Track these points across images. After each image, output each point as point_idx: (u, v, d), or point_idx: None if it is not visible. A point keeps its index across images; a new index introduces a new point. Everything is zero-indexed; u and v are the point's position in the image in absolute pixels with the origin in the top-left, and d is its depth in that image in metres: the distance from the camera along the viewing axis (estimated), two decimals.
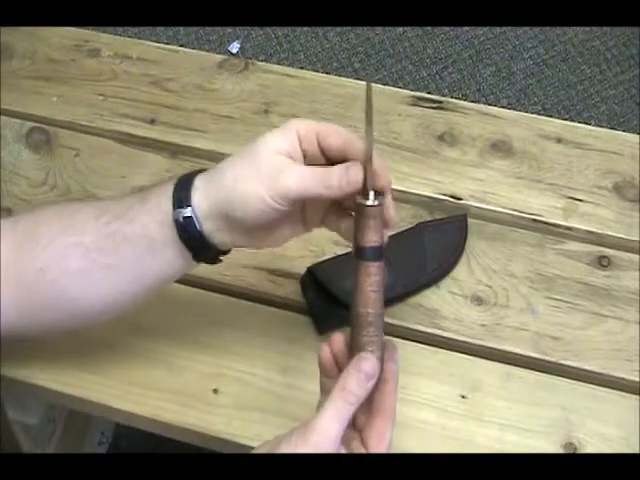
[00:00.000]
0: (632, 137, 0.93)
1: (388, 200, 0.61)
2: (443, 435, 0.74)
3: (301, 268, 0.81)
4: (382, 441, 0.58)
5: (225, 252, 0.66)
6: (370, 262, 0.59)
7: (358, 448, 0.58)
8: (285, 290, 0.82)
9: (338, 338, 0.61)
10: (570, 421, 0.75)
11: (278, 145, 0.60)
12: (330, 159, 0.61)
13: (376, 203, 0.59)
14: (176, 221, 0.61)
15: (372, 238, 0.59)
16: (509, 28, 1.94)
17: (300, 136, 0.61)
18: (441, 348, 0.79)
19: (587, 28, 1.93)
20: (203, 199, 0.61)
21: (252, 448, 0.58)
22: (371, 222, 0.59)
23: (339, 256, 0.81)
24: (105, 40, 1.00)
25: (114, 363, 0.77)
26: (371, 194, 0.59)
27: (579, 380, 0.77)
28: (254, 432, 0.73)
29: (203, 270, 0.82)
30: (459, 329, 0.79)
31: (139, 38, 1.06)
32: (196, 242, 0.62)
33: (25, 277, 0.64)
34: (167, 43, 1.10)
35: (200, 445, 0.76)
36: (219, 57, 0.99)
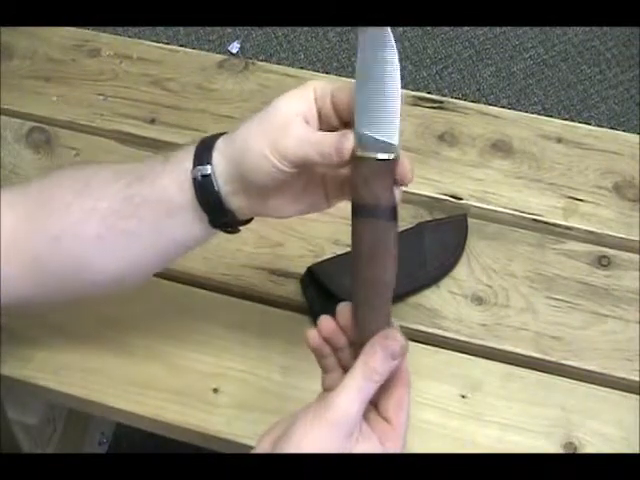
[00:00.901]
0: (632, 137, 0.93)
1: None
2: (443, 435, 0.74)
3: (301, 268, 0.81)
4: (402, 409, 0.57)
5: (243, 222, 0.64)
6: (396, 222, 0.57)
7: (376, 420, 0.57)
8: (285, 290, 0.82)
9: (328, 323, 0.59)
10: (570, 421, 0.75)
11: (293, 106, 0.59)
12: (341, 119, 0.60)
13: (392, 157, 0.56)
14: (194, 180, 0.60)
15: (395, 195, 0.56)
16: (509, 28, 1.94)
17: (317, 96, 0.60)
18: (441, 348, 0.79)
19: (587, 28, 1.93)
20: (221, 159, 0.60)
21: (252, 448, 0.58)
22: (390, 178, 0.56)
23: (339, 255, 0.81)
24: (105, 40, 1.00)
25: (114, 363, 0.77)
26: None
27: (579, 380, 0.77)
28: (254, 432, 0.73)
29: (203, 270, 0.82)
30: (459, 329, 0.79)
31: (139, 38, 1.06)
32: (213, 204, 0.61)
33: (39, 246, 0.63)
34: (167, 43, 1.10)
35: (201, 445, 0.76)
36: (219, 57, 0.99)
